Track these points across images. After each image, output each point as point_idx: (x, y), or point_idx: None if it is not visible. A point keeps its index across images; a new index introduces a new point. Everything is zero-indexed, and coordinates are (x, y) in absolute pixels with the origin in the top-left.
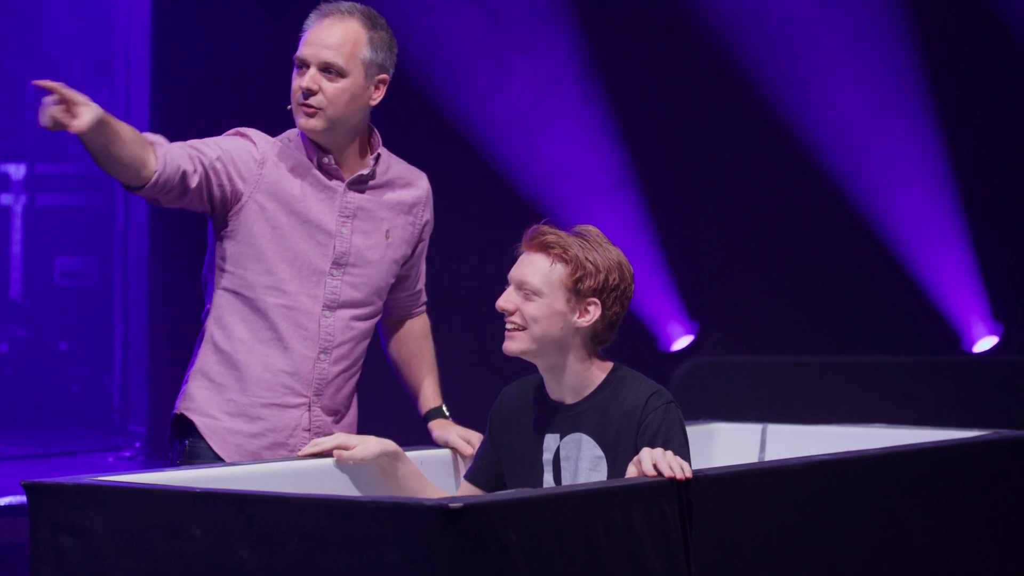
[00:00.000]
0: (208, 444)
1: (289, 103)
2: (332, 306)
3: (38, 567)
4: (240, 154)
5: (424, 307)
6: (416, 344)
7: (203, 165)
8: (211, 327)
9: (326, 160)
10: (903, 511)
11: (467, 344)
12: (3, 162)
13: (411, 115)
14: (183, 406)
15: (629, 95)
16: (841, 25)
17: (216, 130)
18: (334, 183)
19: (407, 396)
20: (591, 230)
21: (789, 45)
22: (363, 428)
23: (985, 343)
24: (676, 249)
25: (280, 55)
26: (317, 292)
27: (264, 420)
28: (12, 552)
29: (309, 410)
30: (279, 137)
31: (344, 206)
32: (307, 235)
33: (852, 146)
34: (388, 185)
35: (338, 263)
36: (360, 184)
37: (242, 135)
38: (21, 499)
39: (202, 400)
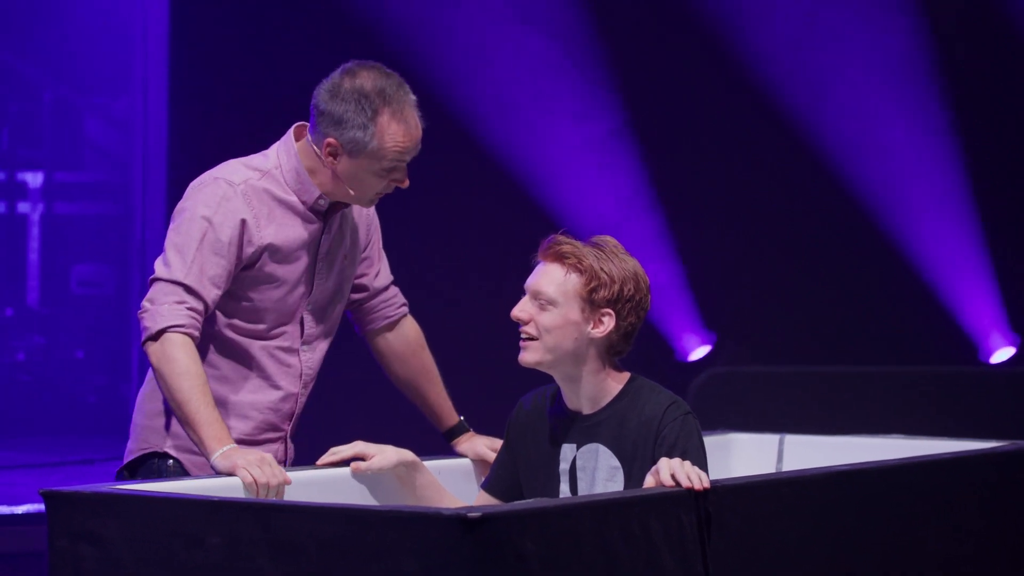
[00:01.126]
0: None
1: (304, 119)
2: (309, 340)
3: (56, 575)
4: (228, 253)
5: (406, 309)
6: (418, 360)
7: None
8: None
9: (321, 202)
10: (920, 521)
11: (485, 352)
12: (20, 170)
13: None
14: (169, 444)
15: (649, 106)
16: (862, 38)
17: (233, 140)
18: (314, 226)
19: (415, 407)
20: (608, 240)
21: (810, 58)
22: (378, 435)
23: (1002, 354)
24: (693, 259)
25: (297, 62)
26: (296, 330)
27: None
28: (30, 560)
29: (285, 443)
30: (260, 169)
31: (323, 253)
32: (284, 286)
33: (870, 158)
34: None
35: (312, 301)
36: (333, 213)
37: (217, 226)
38: (39, 507)
39: (182, 435)
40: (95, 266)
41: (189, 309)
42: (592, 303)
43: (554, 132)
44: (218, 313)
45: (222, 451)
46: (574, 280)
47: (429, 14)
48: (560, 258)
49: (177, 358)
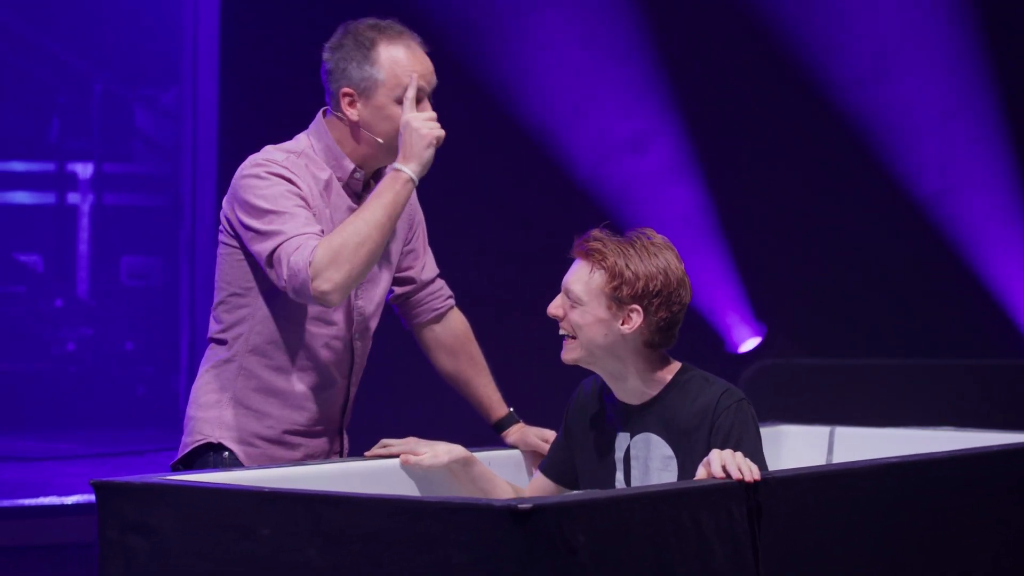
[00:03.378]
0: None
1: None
2: (360, 329)
3: (107, 566)
4: (304, 200)
5: (452, 301)
6: (466, 352)
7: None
8: (244, 354)
9: (357, 175)
10: (971, 514)
11: (537, 342)
12: (70, 161)
13: (478, 119)
14: (219, 435)
15: (701, 99)
16: (914, 30)
17: (283, 130)
18: (355, 206)
19: (463, 399)
20: (643, 234)
21: (861, 51)
22: (426, 425)
23: None
24: (744, 251)
25: None
26: (344, 318)
27: (303, 447)
28: (80, 551)
29: (340, 436)
30: (295, 151)
31: None
32: None
33: (919, 149)
34: None
35: (361, 287)
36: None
37: (288, 181)
38: (89, 498)
39: (239, 427)
40: (144, 257)
41: (310, 239)
42: (618, 300)
43: (603, 126)
44: (268, 303)
45: (404, 166)
46: (598, 278)
47: (476, 13)
48: (587, 255)
49: (335, 240)
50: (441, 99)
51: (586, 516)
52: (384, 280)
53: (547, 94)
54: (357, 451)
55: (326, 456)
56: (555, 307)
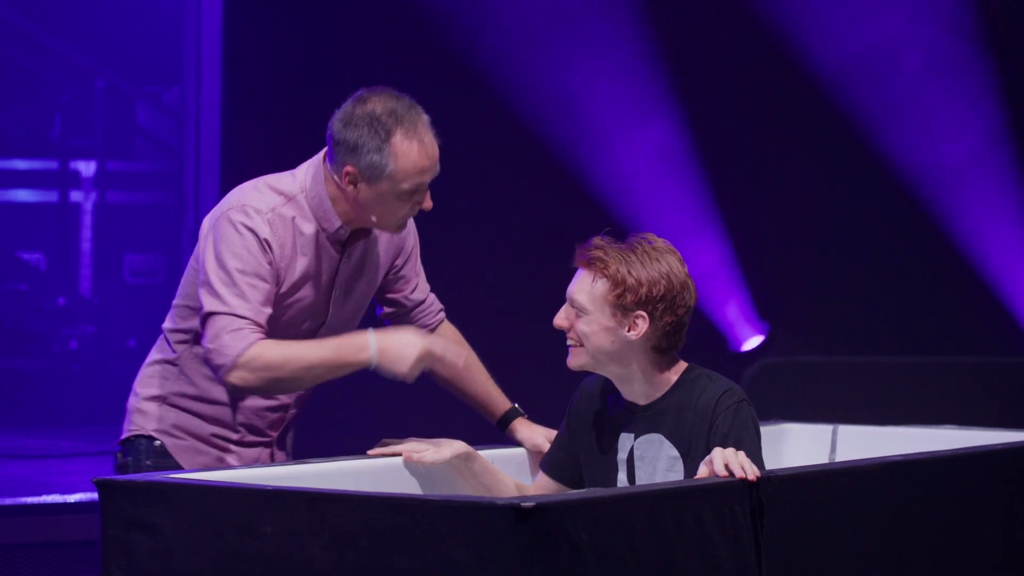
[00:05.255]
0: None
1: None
2: None
3: (109, 564)
4: (268, 276)
5: (443, 315)
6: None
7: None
8: (188, 360)
9: (343, 232)
10: (973, 512)
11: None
12: (73, 159)
13: (479, 119)
14: (153, 428)
15: (702, 98)
16: (917, 32)
17: (285, 129)
18: (334, 255)
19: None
20: (644, 240)
21: (863, 51)
22: (430, 424)
23: None
24: (746, 249)
25: (352, 52)
26: None
27: (235, 453)
28: (83, 549)
29: (272, 448)
30: (288, 195)
31: (340, 281)
32: (300, 313)
33: (924, 148)
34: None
35: (326, 327)
36: (355, 241)
37: (263, 246)
38: (92, 496)
39: (173, 424)
40: (147, 255)
41: (251, 332)
42: (622, 308)
43: (605, 125)
44: None
45: (375, 348)
46: (600, 287)
47: (480, 11)
48: (589, 264)
49: (272, 354)
50: (443, 98)
51: (589, 514)
52: (351, 307)
53: (548, 94)
54: (352, 451)
55: (256, 462)
56: (560, 319)
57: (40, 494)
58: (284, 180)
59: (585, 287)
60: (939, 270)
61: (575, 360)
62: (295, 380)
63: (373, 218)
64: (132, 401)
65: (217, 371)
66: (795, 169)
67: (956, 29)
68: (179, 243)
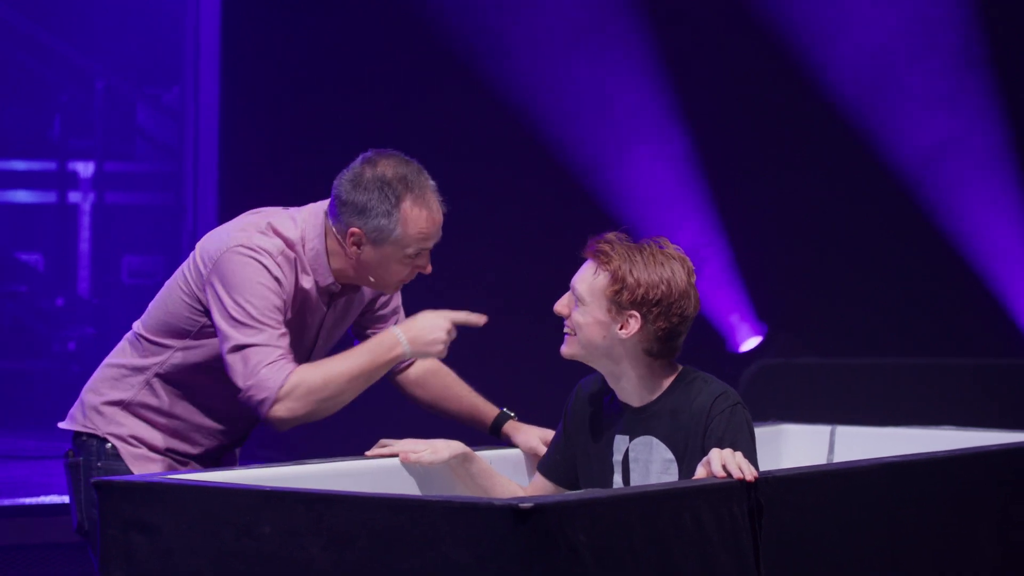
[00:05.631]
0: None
1: (354, 113)
2: None
3: (108, 565)
4: (283, 308)
5: None
6: (436, 378)
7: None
8: (154, 375)
9: (335, 288)
10: (971, 513)
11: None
12: (72, 160)
13: (485, 121)
14: (108, 431)
15: (701, 98)
16: (919, 36)
17: (283, 131)
18: (322, 307)
19: (455, 421)
20: (655, 242)
21: (866, 54)
22: (426, 426)
23: None
24: (745, 250)
25: (349, 54)
26: None
27: (188, 464)
28: (82, 550)
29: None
30: (292, 242)
31: (325, 329)
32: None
33: (923, 152)
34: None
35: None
36: (344, 294)
37: (278, 281)
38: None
39: (128, 430)
40: (146, 256)
41: (285, 361)
42: (617, 304)
43: (611, 129)
44: (190, 352)
45: (406, 341)
46: (601, 279)
47: (480, 12)
48: (595, 256)
49: (314, 378)
50: (442, 97)
51: (587, 515)
52: (326, 352)
53: (549, 94)
54: (350, 452)
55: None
56: (560, 305)
57: (39, 495)
58: (286, 224)
59: (587, 278)
60: (938, 272)
61: (568, 349)
62: (339, 396)
63: (371, 279)
64: (91, 398)
65: (260, 406)
66: (795, 170)
67: (961, 34)
68: (178, 244)
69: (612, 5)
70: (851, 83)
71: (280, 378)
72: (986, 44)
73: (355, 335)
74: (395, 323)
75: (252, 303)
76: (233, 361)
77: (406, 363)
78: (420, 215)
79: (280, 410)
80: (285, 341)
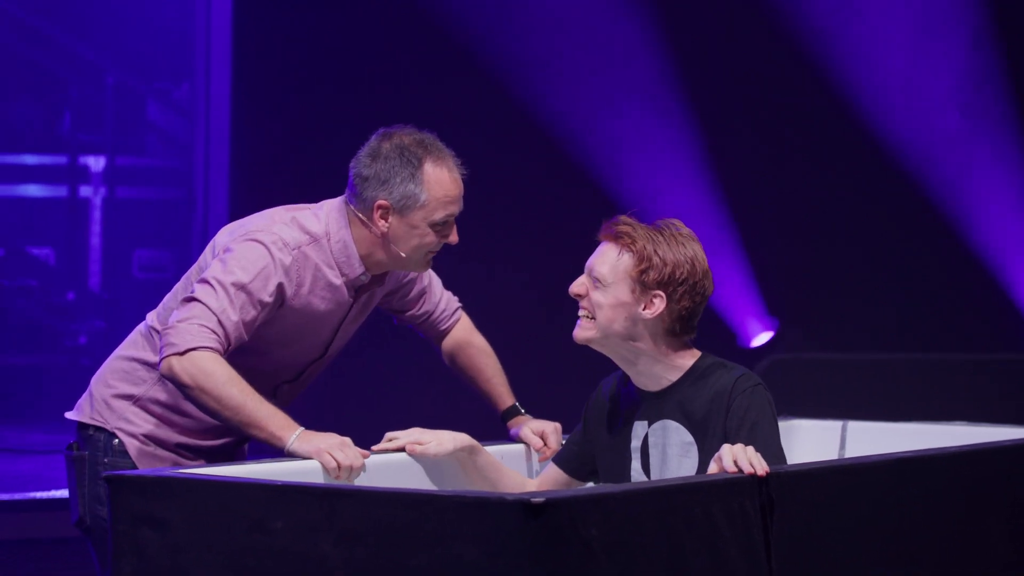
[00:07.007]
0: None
1: (367, 108)
2: (300, 378)
3: (119, 559)
4: (262, 309)
5: (459, 313)
6: (467, 354)
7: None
8: (153, 386)
9: (364, 278)
10: (984, 509)
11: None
12: (83, 154)
13: (493, 119)
14: (116, 426)
15: (712, 96)
16: (925, 34)
17: (294, 125)
18: (347, 301)
19: (472, 395)
20: (671, 224)
21: (875, 50)
22: (435, 424)
23: None
24: (756, 245)
25: (360, 50)
26: (281, 369)
27: (196, 462)
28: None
29: (239, 454)
30: (316, 236)
31: (347, 322)
32: (306, 339)
33: (931, 144)
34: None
35: (322, 362)
36: (369, 288)
37: (275, 281)
38: None
39: (138, 426)
40: (157, 251)
41: (216, 340)
42: (643, 284)
43: (620, 126)
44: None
45: (296, 435)
46: (626, 260)
47: (493, 10)
48: (616, 238)
49: (216, 370)
50: (449, 95)
51: (598, 509)
52: (342, 344)
53: (555, 93)
54: (358, 446)
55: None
56: (578, 285)
57: (50, 489)
58: (309, 219)
59: (609, 259)
60: (950, 267)
61: (582, 333)
62: (210, 405)
63: (402, 254)
64: (100, 390)
65: (164, 348)
66: (806, 166)
67: (971, 30)
68: (188, 238)
69: (618, 2)
70: (860, 80)
71: (198, 342)
72: (996, 43)
73: (392, 314)
74: (421, 306)
75: (236, 282)
76: (180, 306)
77: (446, 326)
78: (444, 175)
79: (175, 364)
80: (236, 334)
